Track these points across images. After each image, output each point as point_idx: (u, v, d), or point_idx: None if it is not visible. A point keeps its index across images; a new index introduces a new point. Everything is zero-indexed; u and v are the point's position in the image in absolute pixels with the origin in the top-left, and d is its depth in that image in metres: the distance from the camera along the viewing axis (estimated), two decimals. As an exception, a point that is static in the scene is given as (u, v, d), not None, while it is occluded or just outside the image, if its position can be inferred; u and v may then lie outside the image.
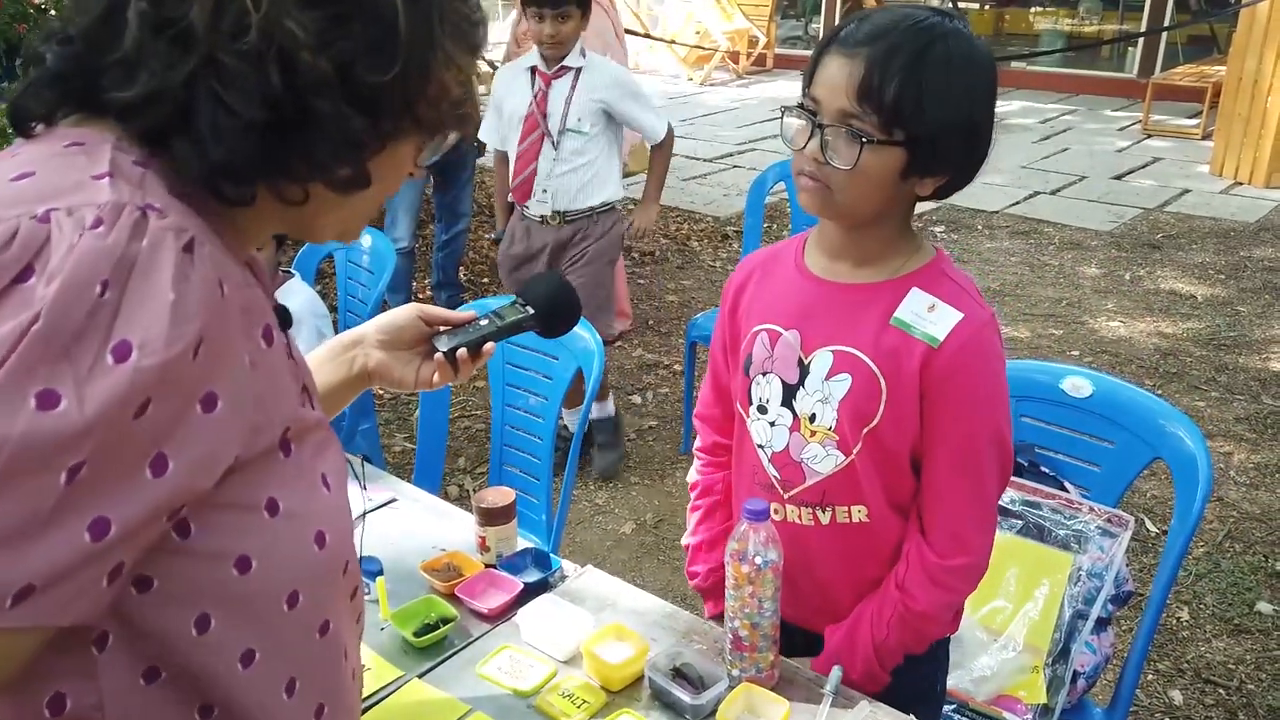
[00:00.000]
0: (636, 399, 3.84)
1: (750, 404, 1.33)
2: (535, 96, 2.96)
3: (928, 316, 1.19)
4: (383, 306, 2.57)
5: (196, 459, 0.56)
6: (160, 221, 0.55)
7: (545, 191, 2.99)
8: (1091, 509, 1.72)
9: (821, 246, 1.29)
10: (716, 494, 1.48)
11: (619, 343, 4.19)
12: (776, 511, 1.32)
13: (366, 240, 2.75)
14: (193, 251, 0.55)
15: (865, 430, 1.23)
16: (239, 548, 0.62)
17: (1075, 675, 1.68)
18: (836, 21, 10.88)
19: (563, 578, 1.51)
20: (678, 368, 4.02)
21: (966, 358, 1.19)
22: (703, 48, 10.41)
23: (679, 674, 1.25)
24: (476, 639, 1.38)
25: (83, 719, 0.59)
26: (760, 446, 1.32)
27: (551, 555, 1.54)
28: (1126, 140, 7.80)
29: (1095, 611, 1.68)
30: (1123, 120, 8.47)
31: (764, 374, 1.30)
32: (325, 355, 1.08)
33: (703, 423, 1.50)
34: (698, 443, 1.52)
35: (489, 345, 1.08)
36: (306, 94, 0.59)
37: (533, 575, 1.50)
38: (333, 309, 2.96)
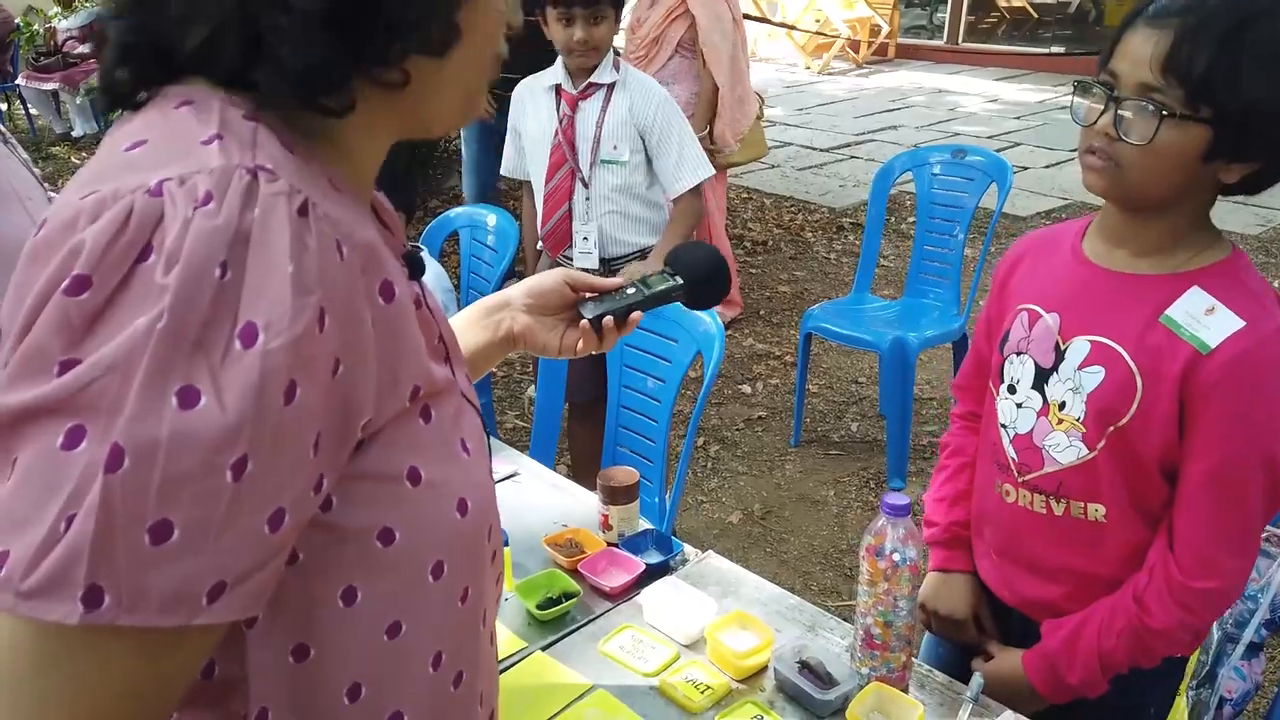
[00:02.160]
0: (746, 389, 3.80)
1: (1001, 382, 1.29)
2: (560, 123, 2.42)
3: (1202, 319, 1.10)
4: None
5: (338, 430, 0.55)
6: (271, 185, 0.52)
7: (587, 240, 2.46)
8: (1248, 527, 1.61)
9: (1103, 232, 1.22)
10: (966, 456, 1.43)
11: (729, 331, 4.16)
12: (1008, 494, 1.28)
13: (491, 219, 2.79)
14: (308, 214, 0.53)
15: (1111, 428, 1.16)
16: (382, 520, 0.60)
17: (1221, 701, 1.58)
18: (963, 10, 10.40)
19: (684, 561, 1.50)
20: (789, 359, 3.96)
21: (1242, 370, 1.09)
22: (824, 34, 10.22)
23: (805, 667, 1.22)
24: (598, 616, 1.38)
25: (231, 687, 0.59)
26: (1004, 426, 1.28)
27: (673, 538, 1.53)
28: None
29: (1247, 636, 1.58)
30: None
31: (1018, 354, 1.26)
32: (472, 317, 1.07)
33: (960, 391, 1.48)
34: (954, 409, 1.49)
35: (635, 314, 1.06)
36: None
37: (654, 557, 1.49)
38: (456, 286, 3.01)
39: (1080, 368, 1.18)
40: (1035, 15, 11.18)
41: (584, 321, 1.05)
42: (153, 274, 0.48)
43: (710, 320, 2.06)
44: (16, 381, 0.48)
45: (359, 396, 0.56)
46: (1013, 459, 1.27)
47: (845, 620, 1.36)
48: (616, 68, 2.40)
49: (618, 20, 2.38)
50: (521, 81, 2.57)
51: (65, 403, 0.47)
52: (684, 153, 2.43)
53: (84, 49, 7.52)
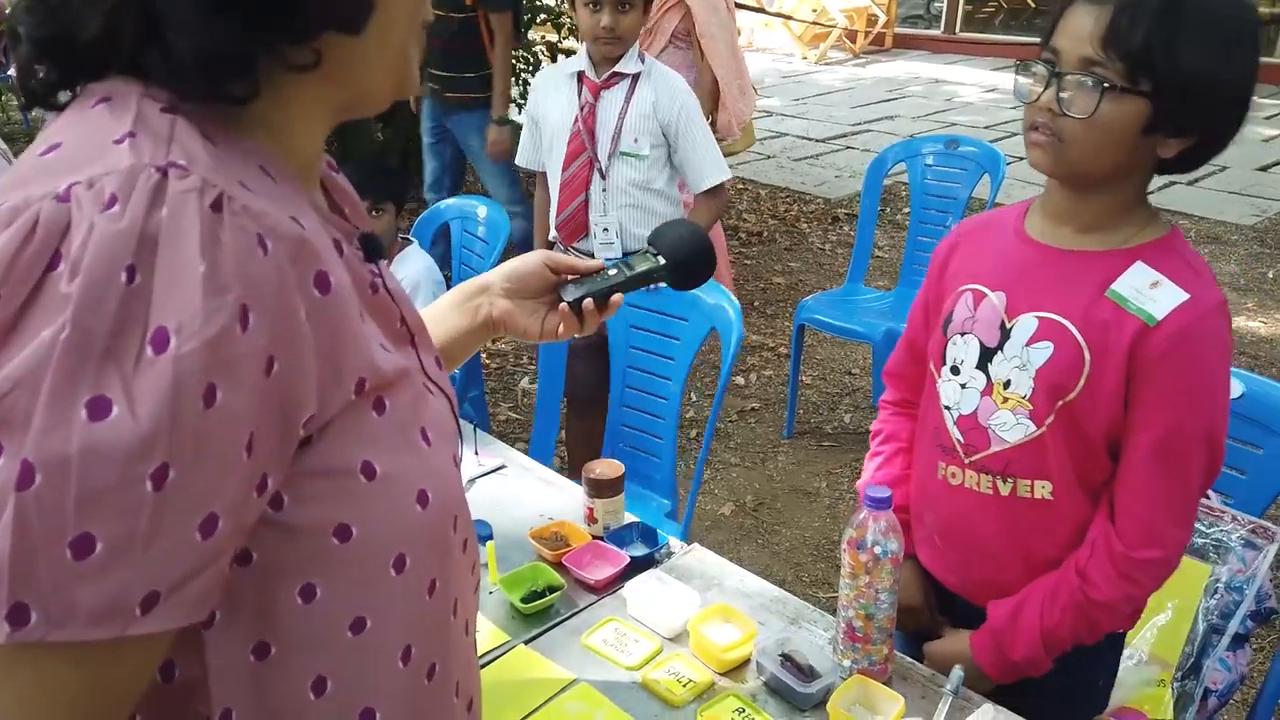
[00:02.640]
0: (739, 380, 3.79)
1: (943, 364, 1.29)
2: (581, 110, 2.36)
3: (1148, 293, 1.12)
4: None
5: (277, 428, 0.54)
6: (181, 182, 0.50)
7: (607, 230, 2.40)
8: (1234, 518, 1.61)
9: (1045, 210, 1.23)
10: (901, 441, 1.44)
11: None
12: (954, 476, 1.28)
13: (482, 211, 2.78)
14: (222, 209, 0.51)
15: (1060, 403, 1.17)
16: (336, 516, 0.59)
17: (1206, 693, 1.58)
18: (961, 2, 10.36)
19: (669, 554, 1.50)
20: (783, 350, 3.96)
21: (1186, 342, 1.11)
22: (820, 24, 10.19)
23: (788, 660, 1.22)
24: (582, 609, 1.37)
25: (192, 690, 0.58)
26: (947, 408, 1.29)
27: (659, 531, 1.52)
28: (1274, 129, 7.30)
29: (1233, 627, 1.58)
30: (1270, 108, 7.92)
31: (962, 334, 1.26)
32: (450, 303, 1.05)
33: (891, 379, 1.48)
34: (884, 397, 1.50)
35: (617, 296, 1.04)
36: None
37: (639, 550, 1.49)
38: (446, 278, 3.00)
39: (1028, 344, 1.19)
40: (1033, 4, 11.13)
41: (564, 305, 1.03)
42: (59, 283, 0.47)
43: (728, 305, 2.07)
44: None
45: (298, 392, 0.55)
46: (958, 440, 1.27)
47: (833, 613, 1.36)
48: (641, 58, 2.36)
49: (647, 11, 2.32)
50: (540, 71, 2.54)
51: None
52: (708, 151, 2.40)
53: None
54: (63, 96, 0.58)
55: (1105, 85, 1.06)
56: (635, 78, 2.34)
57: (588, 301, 1.02)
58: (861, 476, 1.50)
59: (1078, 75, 1.08)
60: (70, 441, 0.46)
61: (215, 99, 0.55)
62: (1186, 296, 1.11)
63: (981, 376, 1.24)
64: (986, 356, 1.23)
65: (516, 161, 2.64)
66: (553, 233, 2.51)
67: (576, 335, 1.05)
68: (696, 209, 2.51)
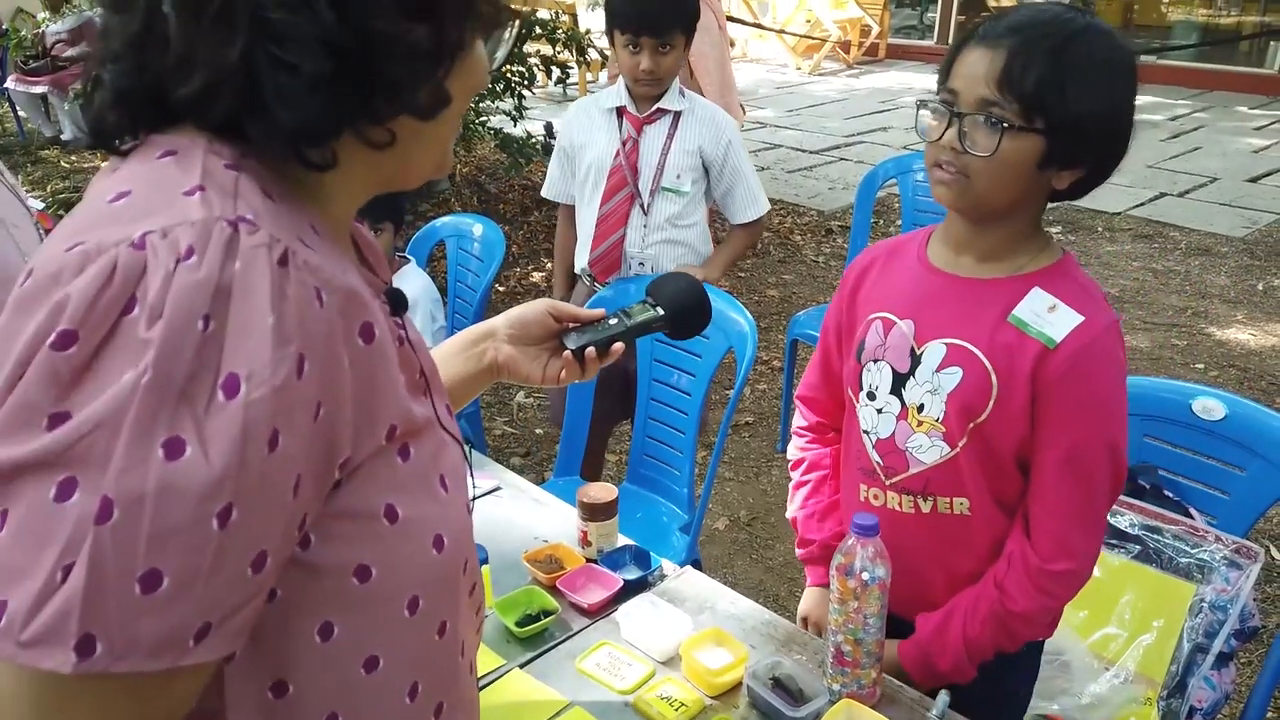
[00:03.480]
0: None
1: (860, 390, 1.34)
2: (624, 145, 2.34)
3: (1046, 316, 1.19)
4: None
5: (319, 471, 0.57)
6: (252, 237, 0.53)
7: (643, 265, 2.39)
8: (1218, 538, 1.64)
9: (947, 240, 1.29)
10: (824, 468, 1.49)
11: (718, 336, 4.16)
12: (876, 497, 1.34)
13: (478, 229, 2.80)
14: (288, 264, 0.54)
15: (972, 425, 1.23)
16: (359, 557, 0.61)
17: (1192, 711, 1.61)
18: (953, 10, 10.45)
19: (662, 576, 1.52)
20: (776, 364, 3.98)
21: (1084, 361, 1.17)
22: (812, 37, 10.24)
23: (778, 684, 1.24)
24: (576, 633, 1.39)
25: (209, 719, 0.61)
26: (866, 432, 1.33)
27: (651, 554, 1.54)
28: (1264, 140, 7.35)
29: (1217, 646, 1.60)
30: (1260, 119, 7.98)
31: (875, 361, 1.31)
32: (456, 347, 1.09)
33: (804, 404, 1.52)
34: (798, 422, 1.53)
35: (618, 345, 1.08)
36: (362, 20, 0.56)
37: (632, 573, 1.51)
38: (442, 294, 3.02)
39: (938, 369, 1.24)
40: (1025, 15, 11.21)
41: (567, 352, 1.07)
42: (136, 328, 0.50)
43: (743, 319, 2.12)
44: (6, 436, 0.49)
45: (338, 437, 0.58)
46: (878, 463, 1.32)
47: (819, 635, 1.38)
48: (681, 93, 2.36)
49: (687, 47, 2.31)
50: (576, 102, 2.53)
51: (57, 457, 0.49)
52: (750, 186, 2.44)
53: (73, 52, 7.49)
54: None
55: (1005, 125, 1.12)
56: (677, 115, 2.33)
57: (589, 349, 1.07)
58: (789, 508, 1.53)
59: (976, 115, 1.14)
60: (148, 480, 0.49)
61: (298, 164, 0.59)
62: (1082, 319, 1.17)
63: (896, 401, 1.29)
64: (900, 382, 1.28)
65: (543, 193, 2.62)
66: (579, 266, 2.49)
67: (577, 381, 1.09)
68: (733, 236, 2.52)
